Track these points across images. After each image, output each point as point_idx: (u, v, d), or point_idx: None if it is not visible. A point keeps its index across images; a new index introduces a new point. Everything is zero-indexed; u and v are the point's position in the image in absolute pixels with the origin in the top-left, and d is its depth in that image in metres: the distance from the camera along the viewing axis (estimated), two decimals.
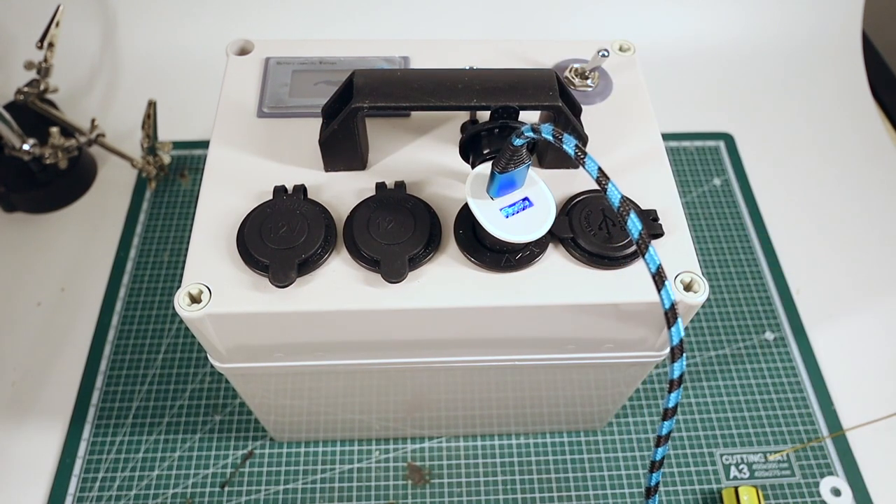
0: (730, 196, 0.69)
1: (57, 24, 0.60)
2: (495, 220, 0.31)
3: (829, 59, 0.81)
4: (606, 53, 0.39)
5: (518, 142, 0.29)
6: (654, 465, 0.22)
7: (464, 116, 0.39)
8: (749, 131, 0.75)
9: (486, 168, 0.32)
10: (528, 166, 0.31)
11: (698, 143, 0.73)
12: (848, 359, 0.59)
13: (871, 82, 0.79)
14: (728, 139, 0.74)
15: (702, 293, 0.34)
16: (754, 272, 0.64)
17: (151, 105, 0.64)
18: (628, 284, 0.34)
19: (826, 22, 0.81)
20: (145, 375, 0.56)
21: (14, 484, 0.51)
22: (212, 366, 0.39)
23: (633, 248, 0.34)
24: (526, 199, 0.32)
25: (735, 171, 0.71)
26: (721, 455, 0.54)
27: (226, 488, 0.51)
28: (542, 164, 0.38)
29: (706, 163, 0.72)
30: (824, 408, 0.56)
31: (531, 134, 0.28)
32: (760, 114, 0.77)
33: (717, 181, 0.70)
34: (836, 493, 0.52)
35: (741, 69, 0.80)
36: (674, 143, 0.73)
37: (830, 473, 0.53)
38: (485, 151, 0.33)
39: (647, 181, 0.38)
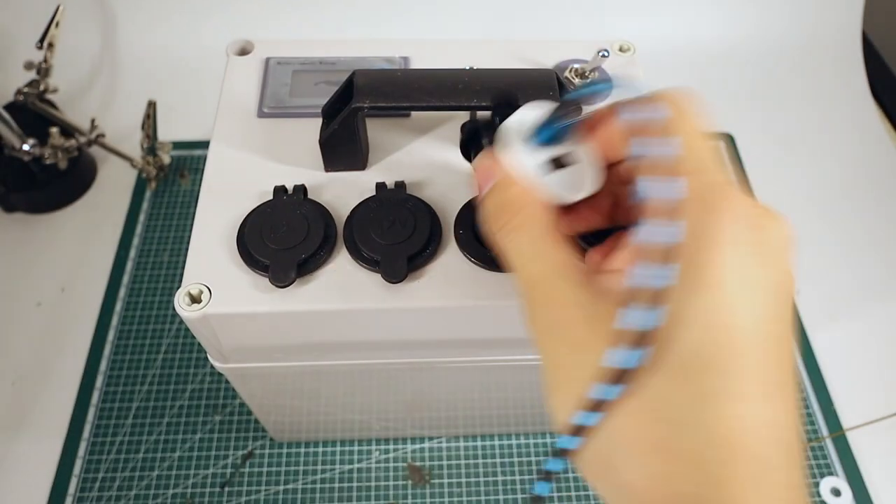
0: None
1: (57, 25, 0.60)
2: (531, 173, 0.25)
3: (829, 59, 0.81)
4: (606, 53, 0.39)
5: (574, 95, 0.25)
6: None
7: (464, 116, 0.39)
8: (749, 131, 0.75)
9: (520, 118, 0.27)
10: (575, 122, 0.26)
11: None
12: (848, 359, 0.59)
13: (871, 82, 0.79)
14: (728, 139, 0.74)
15: None
16: None
17: (151, 105, 0.64)
18: None
19: (826, 22, 0.81)
20: (145, 375, 0.56)
21: (14, 484, 0.51)
22: (212, 366, 0.39)
23: None
24: (568, 153, 0.26)
25: (735, 170, 0.71)
26: None
27: (226, 488, 0.51)
28: None
29: None
30: (824, 408, 0.56)
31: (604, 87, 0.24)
32: (760, 114, 0.77)
33: None
34: (836, 493, 0.52)
35: (741, 69, 0.80)
36: None
37: (830, 473, 0.53)
38: (485, 142, 0.33)
39: None
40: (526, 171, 0.25)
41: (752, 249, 0.20)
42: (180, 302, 0.32)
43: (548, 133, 0.25)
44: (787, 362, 0.21)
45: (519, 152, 0.26)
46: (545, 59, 0.43)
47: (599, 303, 0.22)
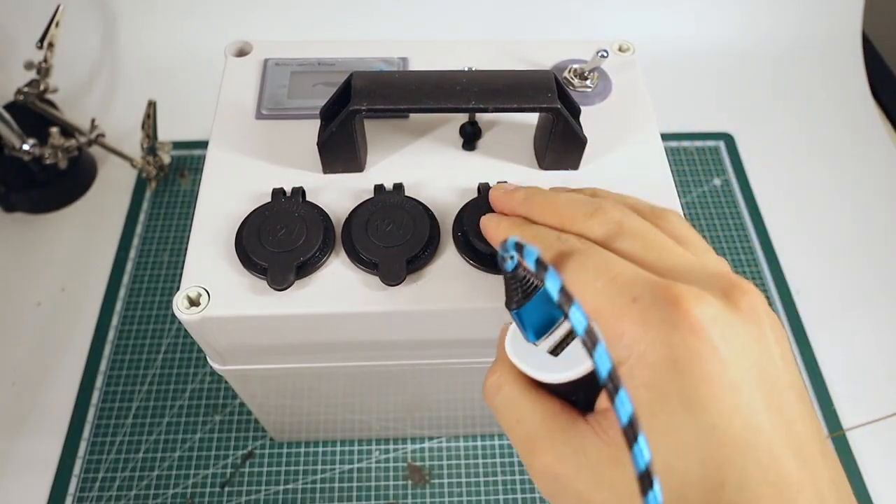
0: (730, 196, 0.69)
1: (57, 24, 0.60)
2: (544, 363, 0.25)
3: (829, 59, 0.80)
4: (606, 54, 0.39)
5: (509, 266, 0.25)
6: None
7: (462, 118, 0.39)
8: (749, 131, 0.75)
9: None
10: (545, 291, 0.24)
11: (698, 143, 0.73)
12: (848, 359, 0.59)
13: (871, 82, 0.79)
14: (728, 139, 0.74)
15: None
16: (754, 272, 0.64)
17: (151, 105, 0.64)
18: None
19: (826, 22, 0.81)
20: (145, 375, 0.56)
21: (14, 484, 0.51)
22: (211, 367, 0.39)
23: None
24: (571, 328, 0.24)
25: (735, 171, 0.71)
26: None
27: (226, 488, 0.52)
28: (542, 166, 0.37)
29: (706, 163, 0.72)
30: (824, 408, 0.56)
31: (515, 253, 0.24)
32: (760, 114, 0.77)
33: (717, 181, 0.70)
34: None
35: (741, 69, 0.80)
36: (674, 143, 0.73)
37: None
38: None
39: (647, 181, 0.38)
40: (532, 371, 0.25)
41: (732, 336, 0.21)
42: (179, 305, 0.32)
43: (529, 327, 0.25)
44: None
45: (521, 359, 0.26)
46: (544, 59, 0.43)
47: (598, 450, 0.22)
